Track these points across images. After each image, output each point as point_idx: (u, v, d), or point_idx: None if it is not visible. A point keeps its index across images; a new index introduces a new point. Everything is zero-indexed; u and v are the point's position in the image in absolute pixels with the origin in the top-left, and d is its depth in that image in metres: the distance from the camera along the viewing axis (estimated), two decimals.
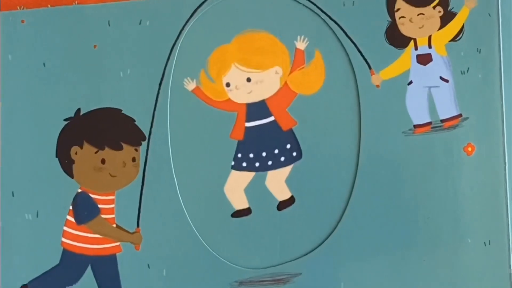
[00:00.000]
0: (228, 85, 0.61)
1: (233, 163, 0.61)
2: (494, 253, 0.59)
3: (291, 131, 0.61)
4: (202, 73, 0.61)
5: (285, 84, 0.61)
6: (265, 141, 0.61)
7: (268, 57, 0.61)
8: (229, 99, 0.61)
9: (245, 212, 0.61)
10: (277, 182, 0.61)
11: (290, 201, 0.61)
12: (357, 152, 0.60)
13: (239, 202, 0.61)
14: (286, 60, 0.61)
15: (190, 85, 0.61)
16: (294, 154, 0.61)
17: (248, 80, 0.61)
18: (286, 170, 0.61)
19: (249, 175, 0.61)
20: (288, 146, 0.61)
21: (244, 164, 0.61)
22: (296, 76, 0.61)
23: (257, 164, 0.61)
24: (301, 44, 0.61)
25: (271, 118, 0.61)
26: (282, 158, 0.61)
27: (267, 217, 0.61)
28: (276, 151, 0.61)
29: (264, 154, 0.61)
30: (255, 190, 0.61)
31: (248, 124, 0.61)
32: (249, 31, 0.61)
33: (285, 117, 0.61)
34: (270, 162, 0.61)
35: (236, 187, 0.61)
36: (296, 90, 0.61)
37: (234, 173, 0.61)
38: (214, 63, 0.61)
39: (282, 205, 0.61)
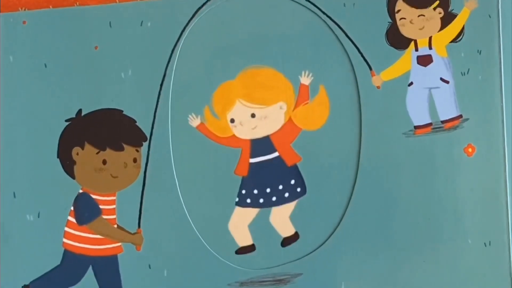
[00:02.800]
0: (232, 121, 0.61)
1: (237, 199, 0.61)
2: (494, 253, 0.59)
3: (295, 167, 0.61)
4: (206, 109, 0.61)
5: (289, 120, 0.61)
6: (269, 177, 0.61)
7: (273, 92, 0.61)
8: (233, 135, 0.61)
9: (249, 249, 0.61)
10: (282, 218, 0.61)
11: (294, 237, 0.61)
12: (358, 152, 0.60)
13: (243, 238, 0.61)
14: (291, 95, 0.61)
15: (195, 122, 0.61)
16: (299, 189, 0.61)
17: (253, 115, 0.61)
18: (291, 206, 0.61)
19: (253, 212, 0.61)
20: (293, 182, 0.61)
21: (248, 201, 0.61)
22: (300, 112, 0.61)
23: (261, 200, 0.61)
24: (305, 79, 0.61)
25: (276, 154, 0.61)
26: (287, 194, 0.61)
27: (271, 254, 0.61)
28: (281, 187, 0.61)
29: (268, 190, 0.61)
30: (259, 226, 0.61)
31: (252, 160, 0.61)
32: (253, 66, 0.61)
33: (290, 152, 0.61)
34: (274, 198, 0.61)
35: (240, 224, 0.61)
36: (301, 125, 0.61)
37: (238, 210, 0.61)
38: (218, 99, 0.61)
39: (287, 241, 0.61)
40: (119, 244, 0.61)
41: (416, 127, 0.60)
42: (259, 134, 0.61)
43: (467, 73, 0.60)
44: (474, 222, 0.59)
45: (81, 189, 0.61)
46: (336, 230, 0.60)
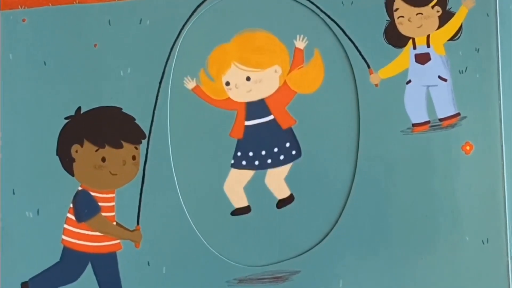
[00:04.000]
0: (227, 84, 0.62)
1: (232, 161, 0.61)
2: (492, 251, 0.59)
3: (290, 130, 0.61)
4: (202, 72, 0.62)
5: (284, 83, 0.62)
6: (264, 139, 0.62)
7: (268, 56, 0.62)
8: (228, 98, 0.62)
9: (245, 210, 0.61)
10: (277, 180, 0.61)
11: (290, 199, 0.61)
12: (356, 150, 0.60)
13: (239, 200, 0.61)
14: (286, 59, 0.62)
15: (190, 84, 0.62)
16: (294, 152, 0.61)
17: (248, 79, 0.61)
18: (286, 169, 0.61)
19: (249, 174, 0.61)
20: (288, 144, 0.61)
21: (244, 163, 0.61)
22: (295, 75, 0.61)
23: (256, 163, 0.61)
24: (300, 43, 0.61)
25: (271, 117, 0.62)
26: (282, 157, 0.61)
27: (267, 215, 0.61)
28: (276, 149, 0.61)
29: (263, 152, 0.61)
30: (255, 188, 0.61)
31: (247, 123, 0.62)
32: (248, 30, 0.62)
33: (285, 115, 0.61)
34: (269, 161, 0.61)
35: (236, 186, 0.61)
36: (295, 89, 0.61)
37: (234, 172, 0.61)
38: (214, 62, 0.62)
39: (282, 203, 0.61)
40: (118, 241, 0.61)
41: (414, 125, 0.60)
42: (254, 97, 0.61)
43: (465, 71, 0.60)
44: (472, 220, 0.59)
45: (80, 186, 0.62)
46: (333, 228, 0.60)
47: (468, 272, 0.59)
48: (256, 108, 0.61)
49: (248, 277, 0.60)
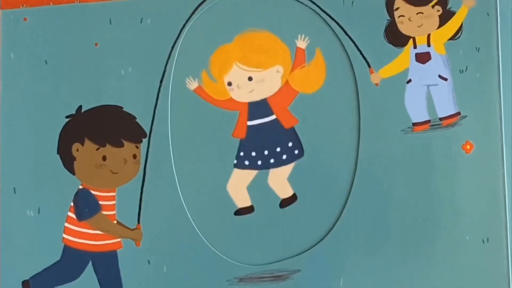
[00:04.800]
0: (230, 84, 0.62)
1: (235, 161, 0.61)
2: (492, 250, 0.59)
3: (292, 129, 0.61)
4: (204, 73, 0.62)
5: (286, 83, 0.62)
6: (267, 139, 0.62)
7: (269, 56, 0.62)
8: (231, 98, 0.62)
9: (248, 210, 0.61)
10: (279, 180, 0.61)
11: (292, 198, 0.61)
12: (357, 149, 0.60)
13: (242, 200, 0.61)
14: (287, 58, 0.62)
15: (192, 85, 0.62)
16: (296, 152, 0.61)
17: (250, 79, 0.62)
18: (288, 168, 0.61)
19: (252, 173, 0.61)
20: (290, 144, 0.61)
21: (247, 163, 0.61)
22: (297, 75, 0.61)
23: (259, 162, 0.61)
24: (302, 43, 0.61)
25: (273, 117, 0.62)
26: (284, 156, 0.61)
27: (269, 215, 0.61)
28: (278, 149, 0.61)
29: (266, 152, 0.62)
30: (258, 188, 0.61)
31: (250, 123, 0.62)
32: (250, 30, 0.62)
33: (287, 115, 0.61)
34: (272, 160, 0.61)
35: (239, 185, 0.61)
36: (297, 88, 0.61)
37: (237, 172, 0.61)
38: (215, 62, 0.62)
39: (285, 202, 0.61)
40: (118, 239, 0.61)
41: (414, 124, 0.60)
42: (257, 97, 0.62)
43: (465, 70, 0.60)
44: (472, 219, 0.59)
45: (81, 185, 0.62)
46: (334, 227, 0.60)
47: (468, 271, 0.59)
48: (259, 108, 0.61)
49: (249, 276, 0.60)
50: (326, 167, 0.61)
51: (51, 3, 0.63)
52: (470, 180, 0.60)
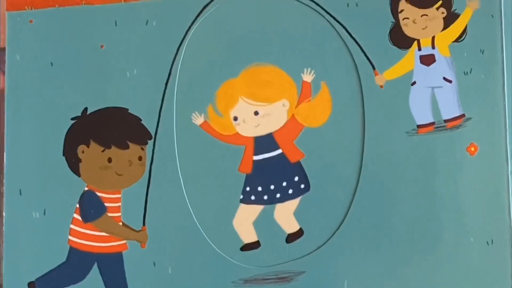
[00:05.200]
0: (235, 118, 0.62)
1: (241, 196, 0.61)
2: (496, 252, 0.59)
3: (299, 164, 0.61)
4: (209, 108, 0.62)
5: (292, 117, 0.62)
6: (273, 174, 0.61)
7: (276, 90, 0.62)
8: (237, 133, 0.62)
9: (254, 245, 0.61)
10: (286, 215, 0.61)
11: (299, 233, 0.61)
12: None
13: (248, 235, 0.61)
14: (293, 92, 0.61)
15: (198, 120, 0.62)
16: (302, 186, 0.61)
17: (256, 113, 0.61)
18: (295, 203, 0.61)
19: (258, 208, 0.61)
20: (296, 178, 0.61)
21: (253, 198, 0.61)
22: (303, 109, 0.61)
23: (265, 197, 0.61)
24: (308, 77, 0.61)
25: (279, 151, 0.61)
26: (290, 191, 0.61)
27: (276, 251, 0.61)
28: (284, 183, 0.61)
29: (272, 187, 0.61)
30: (264, 223, 0.61)
31: (256, 158, 0.61)
32: (256, 64, 0.62)
33: (293, 149, 0.61)
34: (278, 195, 0.61)
35: (245, 221, 0.61)
36: (303, 122, 0.61)
37: (243, 207, 0.61)
38: (221, 97, 0.62)
39: (291, 237, 0.61)
40: (124, 241, 0.61)
41: (419, 126, 0.60)
42: (262, 131, 0.62)
43: (470, 72, 0.60)
44: (477, 221, 0.59)
45: (87, 187, 0.62)
46: (339, 229, 0.60)
47: (472, 273, 0.59)
48: (264, 142, 0.61)
49: (254, 278, 0.60)
50: (333, 202, 0.60)
51: (57, 5, 0.63)
52: (474, 182, 0.60)
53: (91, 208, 0.61)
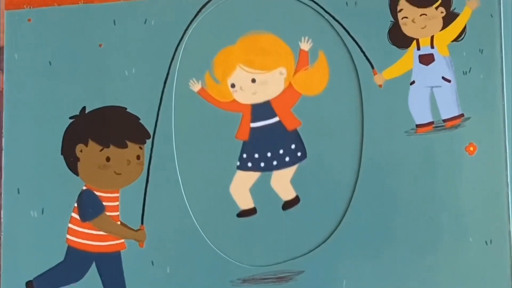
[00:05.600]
0: (233, 86, 0.62)
1: (238, 163, 0.61)
2: (495, 252, 0.59)
3: (295, 132, 0.61)
4: (207, 75, 0.62)
5: (289, 85, 0.62)
6: (270, 141, 0.62)
7: (273, 58, 0.62)
8: (234, 100, 0.62)
9: (251, 212, 0.61)
10: (282, 182, 0.61)
11: (295, 201, 0.61)
12: (360, 150, 0.60)
13: (245, 202, 0.61)
14: (291, 61, 0.62)
15: (195, 86, 0.62)
16: (299, 154, 0.61)
17: (253, 81, 0.62)
18: (291, 170, 0.61)
19: (255, 175, 0.61)
20: (293, 146, 0.61)
21: (250, 164, 0.61)
22: (300, 77, 0.62)
23: (262, 164, 0.61)
24: (305, 45, 0.62)
25: (276, 119, 0.62)
26: (287, 158, 0.61)
27: (272, 217, 0.61)
28: (281, 151, 0.61)
29: (269, 154, 0.62)
30: (261, 190, 0.61)
31: (253, 125, 0.62)
32: (253, 32, 0.62)
33: (290, 117, 0.61)
34: (275, 162, 0.61)
35: (242, 187, 0.61)
36: (301, 90, 0.62)
37: (240, 173, 0.61)
38: (219, 64, 0.62)
39: (287, 205, 0.61)
40: (122, 240, 0.61)
41: (417, 126, 0.60)
42: (260, 99, 0.62)
43: (469, 72, 0.60)
44: (475, 221, 0.59)
45: (85, 186, 0.62)
46: (337, 228, 0.60)
47: (471, 273, 0.59)
48: (262, 110, 0.62)
49: (252, 277, 0.60)
50: (329, 170, 0.61)
51: (55, 4, 0.63)
52: (473, 181, 0.60)
53: (89, 207, 0.61)
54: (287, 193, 0.61)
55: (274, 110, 0.62)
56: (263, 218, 0.61)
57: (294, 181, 0.61)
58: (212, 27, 0.62)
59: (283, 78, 0.62)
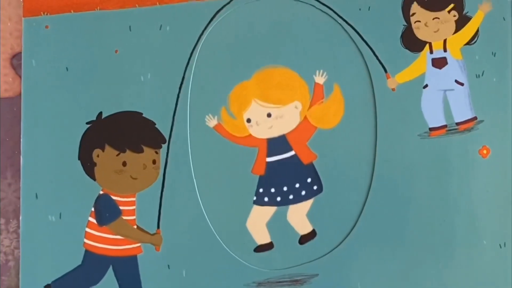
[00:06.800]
0: (248, 120, 0.62)
1: (255, 198, 0.62)
2: (509, 254, 0.59)
3: (311, 165, 0.61)
4: (223, 110, 0.62)
5: (305, 119, 0.62)
6: (286, 175, 0.62)
7: (288, 92, 0.62)
8: (250, 135, 0.62)
9: (268, 246, 0.61)
10: (299, 216, 0.61)
11: (312, 234, 0.61)
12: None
13: (262, 237, 0.61)
14: (306, 94, 0.62)
15: (212, 122, 0.62)
16: (315, 187, 0.61)
17: (269, 115, 0.62)
18: (308, 204, 0.61)
19: (271, 210, 0.61)
20: (309, 180, 0.61)
21: (266, 199, 0.61)
22: (315, 110, 0.62)
23: (278, 199, 0.61)
24: (320, 79, 0.62)
25: (292, 153, 0.62)
26: (303, 192, 0.61)
27: (289, 251, 0.61)
28: (297, 185, 0.61)
29: (285, 188, 0.62)
30: (277, 224, 0.61)
31: (269, 159, 0.62)
32: (268, 66, 0.62)
33: (306, 151, 0.61)
34: (291, 196, 0.61)
35: (259, 222, 0.61)
36: (316, 124, 0.62)
37: (256, 208, 0.61)
38: (234, 99, 0.62)
39: (304, 239, 0.61)
40: (138, 244, 0.62)
41: (431, 129, 0.61)
42: (275, 133, 0.62)
43: (482, 75, 0.60)
44: (489, 224, 0.59)
45: (102, 190, 0.62)
46: (352, 231, 0.60)
47: (485, 276, 0.59)
48: (277, 144, 0.62)
49: (267, 280, 0.61)
50: (345, 203, 0.61)
51: (72, 11, 0.64)
52: (487, 184, 0.60)
53: (106, 212, 0.62)
54: (304, 227, 0.61)
55: (290, 144, 0.62)
56: (280, 253, 0.61)
57: (310, 215, 0.61)
58: (227, 62, 0.62)
59: (298, 112, 0.62)
